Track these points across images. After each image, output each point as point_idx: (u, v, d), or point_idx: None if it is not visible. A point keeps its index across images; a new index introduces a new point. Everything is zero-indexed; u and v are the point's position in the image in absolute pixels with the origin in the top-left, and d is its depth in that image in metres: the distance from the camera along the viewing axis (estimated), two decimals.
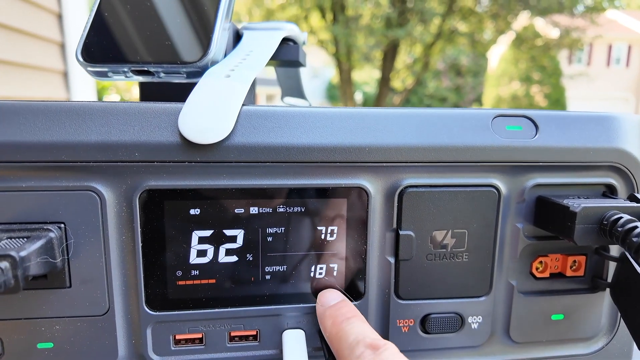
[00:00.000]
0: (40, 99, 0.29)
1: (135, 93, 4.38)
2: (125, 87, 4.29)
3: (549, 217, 0.32)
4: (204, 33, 0.36)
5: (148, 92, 0.44)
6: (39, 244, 0.26)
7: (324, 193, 0.30)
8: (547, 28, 8.76)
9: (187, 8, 0.37)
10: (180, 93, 0.42)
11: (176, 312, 0.30)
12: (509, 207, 0.33)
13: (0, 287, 0.23)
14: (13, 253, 0.24)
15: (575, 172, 0.33)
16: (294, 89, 0.56)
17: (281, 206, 0.30)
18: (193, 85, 0.37)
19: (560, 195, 0.33)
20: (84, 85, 2.49)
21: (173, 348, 0.31)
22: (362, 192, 0.31)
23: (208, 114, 0.28)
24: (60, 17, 2.28)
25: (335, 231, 0.31)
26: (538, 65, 10.68)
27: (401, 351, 0.33)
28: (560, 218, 0.30)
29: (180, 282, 0.30)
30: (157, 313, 0.30)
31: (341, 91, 8.73)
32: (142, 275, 0.29)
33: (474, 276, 0.33)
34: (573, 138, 0.32)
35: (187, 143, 0.28)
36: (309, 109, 0.30)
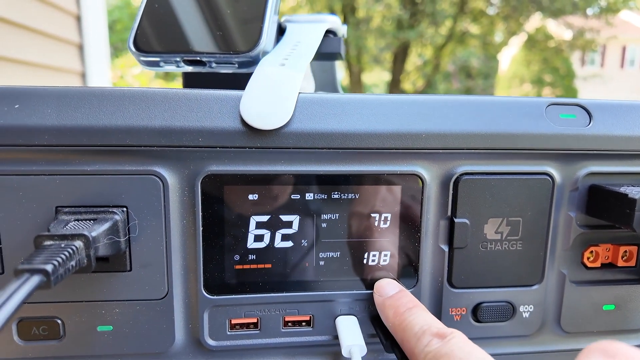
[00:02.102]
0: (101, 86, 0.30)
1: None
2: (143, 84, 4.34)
3: (603, 206, 0.32)
4: (254, 24, 0.36)
5: (192, 82, 0.45)
6: (106, 225, 0.26)
7: (378, 180, 0.31)
8: (559, 29, 8.68)
9: (235, 1, 0.38)
10: (223, 83, 0.43)
11: (233, 296, 0.31)
12: (562, 196, 0.33)
13: (75, 265, 0.23)
14: (86, 232, 0.24)
15: (628, 160, 0.33)
16: (328, 82, 0.56)
17: (336, 192, 0.31)
18: (237, 75, 0.37)
19: (613, 183, 0.32)
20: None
21: (229, 333, 0.31)
22: (417, 179, 0.31)
23: (268, 101, 0.29)
24: (79, 18, 2.32)
25: (389, 218, 0.31)
26: (550, 67, 10.58)
27: None
28: (618, 206, 0.30)
29: (238, 267, 0.31)
30: (215, 297, 0.30)
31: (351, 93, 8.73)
32: (201, 260, 0.30)
33: (526, 265, 0.33)
34: (627, 126, 0.32)
35: (248, 129, 0.28)
36: (365, 96, 0.31)
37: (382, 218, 0.31)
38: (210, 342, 0.31)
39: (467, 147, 0.30)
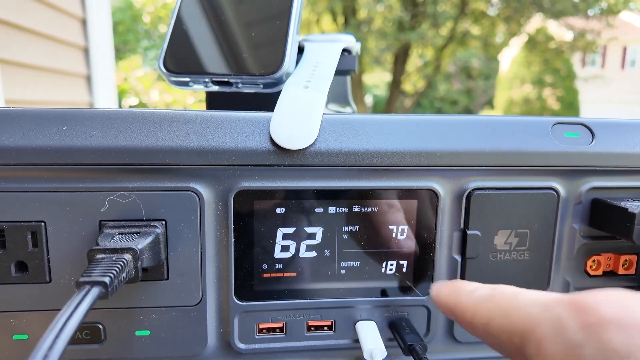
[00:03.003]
0: (136, 108, 0.32)
1: (153, 96, 4.46)
2: (143, 90, 4.38)
3: (605, 218, 0.34)
4: (277, 46, 0.39)
5: (214, 101, 0.47)
6: (149, 239, 0.29)
7: (396, 194, 0.33)
8: (560, 30, 8.71)
9: (260, 22, 0.40)
10: (246, 100, 0.46)
11: (261, 303, 0.33)
12: (566, 209, 0.35)
13: (125, 277, 0.26)
14: (134, 246, 0.27)
15: (629, 176, 0.35)
16: (341, 94, 0.59)
17: (356, 206, 0.33)
18: (257, 94, 0.40)
19: (615, 197, 0.35)
20: (105, 89, 2.55)
21: (257, 336, 0.34)
22: (432, 193, 0.33)
23: (296, 123, 0.31)
24: (84, 22, 2.34)
25: (406, 230, 0.34)
26: (551, 68, 10.61)
27: (462, 342, 0.36)
28: (618, 219, 0.32)
29: (265, 275, 0.33)
30: (245, 303, 0.33)
31: (352, 94, 8.75)
32: (232, 268, 0.32)
33: (533, 273, 0.35)
34: (627, 144, 0.35)
35: (277, 149, 0.31)
36: (384, 116, 0.33)
37: (400, 230, 0.33)
38: (240, 345, 0.34)
39: (478, 164, 0.33)
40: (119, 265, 0.25)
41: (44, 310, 0.31)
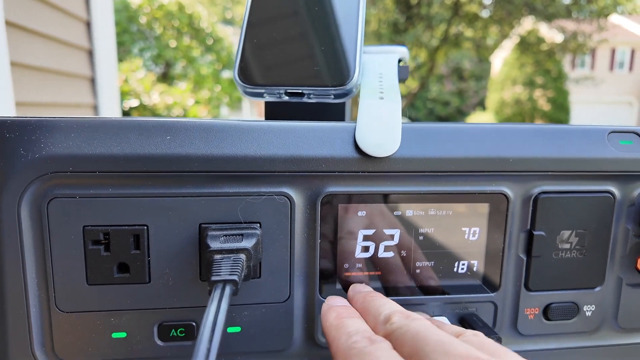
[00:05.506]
0: (221, 118, 0.34)
1: (154, 97, 4.45)
2: (143, 92, 4.37)
3: None
4: (346, 58, 0.41)
5: (273, 110, 0.50)
6: (254, 240, 0.31)
7: (470, 198, 0.35)
8: (551, 32, 8.84)
9: (328, 33, 0.43)
10: (304, 111, 0.48)
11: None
12: (621, 211, 0.38)
13: (243, 275, 0.28)
14: (247, 246, 0.29)
15: None
16: None
17: (432, 209, 0.35)
18: (313, 104, 0.42)
19: None
20: (109, 91, 2.55)
21: None
22: (502, 197, 0.36)
23: (380, 132, 0.33)
24: (89, 24, 2.34)
25: (477, 232, 0.36)
26: (542, 70, 10.75)
27: (525, 335, 0.38)
28: None
29: (347, 274, 0.35)
30: None
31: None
32: (318, 267, 0.34)
33: (590, 270, 0.38)
34: None
35: (362, 156, 0.33)
36: (460, 125, 0.36)
37: (472, 232, 0.36)
38: (323, 340, 0.36)
39: (545, 170, 0.35)
40: (240, 264, 0.27)
41: (143, 309, 0.33)
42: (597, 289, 0.39)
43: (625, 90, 13.27)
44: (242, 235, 0.31)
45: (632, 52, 13.21)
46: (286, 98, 0.41)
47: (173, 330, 0.34)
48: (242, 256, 0.28)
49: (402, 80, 0.49)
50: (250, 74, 0.40)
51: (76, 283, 0.32)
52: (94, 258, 0.32)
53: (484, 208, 0.36)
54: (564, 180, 0.37)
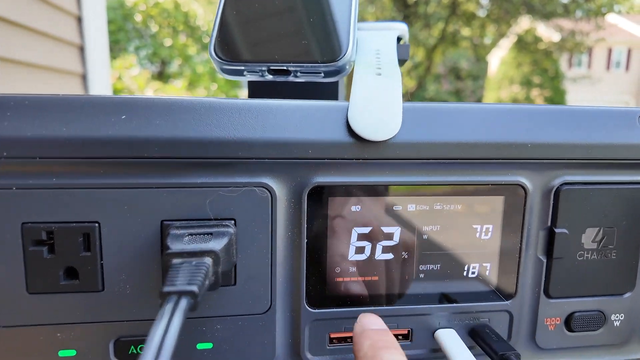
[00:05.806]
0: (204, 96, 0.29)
1: (147, 94, 4.39)
2: (137, 89, 4.30)
3: None
4: (338, 32, 0.36)
5: (257, 92, 0.44)
6: (225, 240, 0.26)
7: (481, 190, 0.30)
8: (548, 32, 8.81)
9: (317, 8, 0.37)
10: (288, 93, 0.43)
11: (334, 310, 0.30)
12: None
13: (208, 284, 0.23)
14: (214, 248, 0.24)
15: None
16: None
17: (438, 204, 0.30)
18: (302, 84, 0.37)
19: None
20: (101, 88, 2.49)
21: (328, 347, 0.31)
22: (520, 189, 0.31)
23: (377, 112, 0.28)
24: (80, 19, 2.28)
25: (491, 229, 0.31)
26: (539, 69, 10.73)
27: (545, 349, 0.33)
28: None
29: (338, 279, 0.30)
30: (316, 310, 0.30)
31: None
32: (304, 272, 0.29)
33: (619, 274, 0.33)
34: None
35: (356, 140, 0.28)
36: (471, 105, 0.30)
37: (484, 229, 0.31)
38: (310, 357, 0.31)
39: (567, 157, 0.30)
40: (203, 271, 0.22)
41: (95, 322, 0.28)
42: (627, 295, 0.33)
43: (622, 89, 13.26)
44: (211, 234, 0.26)
45: (629, 52, 13.21)
46: (270, 77, 0.35)
47: (132, 347, 0.29)
48: (208, 260, 0.23)
49: (402, 60, 0.44)
50: (229, 49, 0.35)
51: (14, 292, 0.27)
52: (35, 262, 0.26)
53: (498, 202, 0.31)
54: (589, 169, 0.31)
